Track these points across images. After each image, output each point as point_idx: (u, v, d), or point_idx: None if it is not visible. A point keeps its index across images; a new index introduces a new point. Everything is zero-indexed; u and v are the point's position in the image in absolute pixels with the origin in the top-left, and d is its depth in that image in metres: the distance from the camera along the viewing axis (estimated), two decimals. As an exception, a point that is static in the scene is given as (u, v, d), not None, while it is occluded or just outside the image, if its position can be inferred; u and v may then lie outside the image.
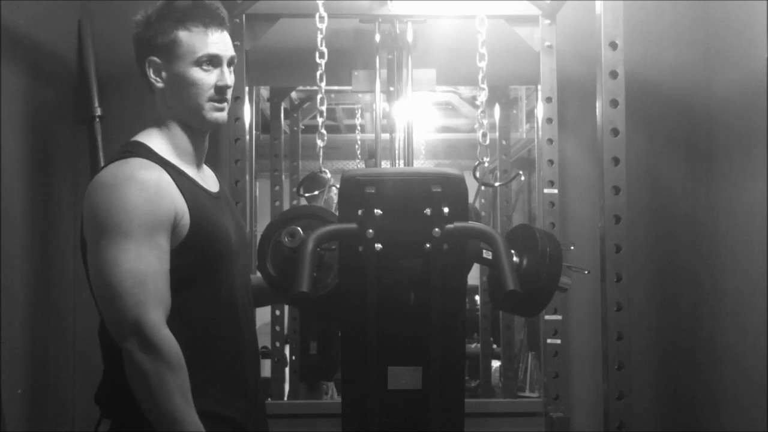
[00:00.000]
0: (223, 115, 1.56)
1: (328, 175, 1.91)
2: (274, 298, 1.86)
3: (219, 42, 1.53)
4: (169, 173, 1.48)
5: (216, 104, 1.54)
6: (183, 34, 1.51)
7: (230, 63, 1.57)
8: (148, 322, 1.36)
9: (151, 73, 1.54)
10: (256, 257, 1.70)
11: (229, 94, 1.57)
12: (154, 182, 1.44)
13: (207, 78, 1.52)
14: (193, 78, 1.51)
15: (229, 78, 1.56)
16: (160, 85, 1.54)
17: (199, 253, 1.49)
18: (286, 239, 1.58)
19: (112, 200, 1.40)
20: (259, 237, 1.71)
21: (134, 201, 1.40)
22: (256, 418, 1.60)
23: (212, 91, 1.53)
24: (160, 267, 1.41)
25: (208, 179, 1.64)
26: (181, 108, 1.54)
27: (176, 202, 1.46)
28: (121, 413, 1.48)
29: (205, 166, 1.66)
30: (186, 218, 1.47)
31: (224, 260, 1.55)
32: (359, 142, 3.27)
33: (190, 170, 1.57)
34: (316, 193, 2.04)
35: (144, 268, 1.38)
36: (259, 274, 1.73)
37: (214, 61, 1.53)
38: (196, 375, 1.47)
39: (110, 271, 1.37)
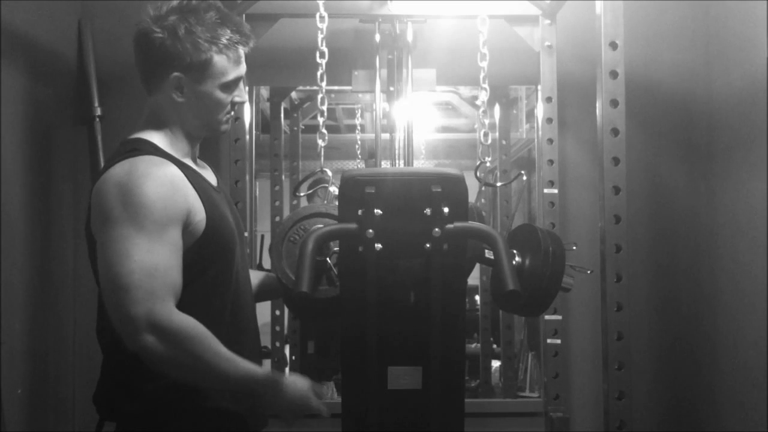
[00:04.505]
0: (229, 125, 1.62)
1: (330, 174, 1.90)
2: (268, 295, 1.86)
3: (244, 63, 1.56)
4: (178, 168, 1.48)
5: (228, 117, 1.59)
6: (217, 57, 1.50)
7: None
8: (160, 313, 1.33)
9: (172, 88, 1.50)
10: (270, 258, 1.68)
11: None
12: (168, 179, 1.43)
13: (228, 98, 1.55)
14: (218, 99, 1.53)
15: (245, 94, 1.61)
16: (180, 100, 1.51)
17: (215, 248, 1.49)
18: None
19: (127, 196, 1.38)
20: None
21: (149, 197, 1.39)
22: (256, 413, 1.60)
23: (228, 107, 1.56)
24: (172, 261, 1.39)
25: (205, 173, 1.64)
26: (195, 121, 1.55)
27: (189, 197, 1.46)
28: (119, 414, 1.48)
29: (199, 161, 1.66)
30: (202, 214, 1.46)
31: (233, 253, 1.55)
32: (359, 142, 3.26)
33: (191, 165, 1.58)
34: (310, 191, 2.01)
35: (155, 261, 1.36)
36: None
37: (238, 81, 1.56)
38: None
39: (119, 264, 1.34)
